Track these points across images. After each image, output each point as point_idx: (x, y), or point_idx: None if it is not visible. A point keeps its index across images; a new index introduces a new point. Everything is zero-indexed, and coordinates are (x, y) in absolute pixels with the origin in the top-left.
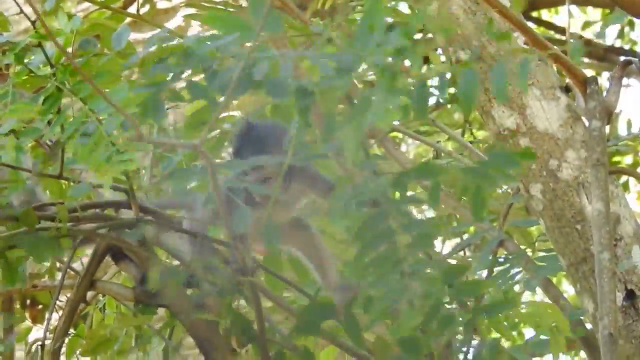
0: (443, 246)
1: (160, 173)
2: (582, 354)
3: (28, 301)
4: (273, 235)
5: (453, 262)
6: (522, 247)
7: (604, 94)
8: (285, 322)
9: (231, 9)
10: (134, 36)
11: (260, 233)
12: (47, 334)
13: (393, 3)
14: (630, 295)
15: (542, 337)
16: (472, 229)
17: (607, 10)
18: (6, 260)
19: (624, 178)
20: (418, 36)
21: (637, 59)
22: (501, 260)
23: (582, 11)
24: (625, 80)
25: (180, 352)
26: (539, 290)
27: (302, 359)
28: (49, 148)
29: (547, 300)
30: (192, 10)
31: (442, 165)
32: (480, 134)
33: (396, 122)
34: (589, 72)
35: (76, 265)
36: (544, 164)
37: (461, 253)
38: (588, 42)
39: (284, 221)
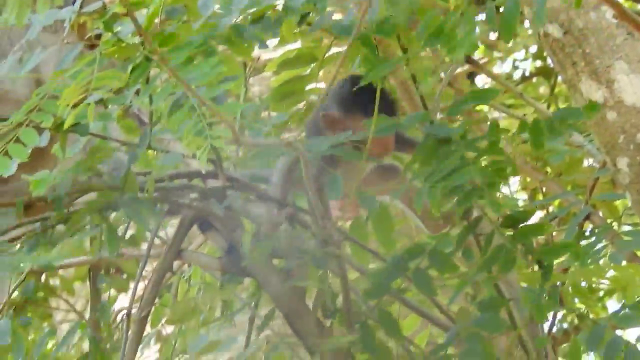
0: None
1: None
2: None
3: (113, 270)
4: (369, 200)
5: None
6: (608, 220)
7: None
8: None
9: None
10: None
11: (350, 197)
12: (133, 303)
13: None
14: None
15: (628, 310)
16: (557, 202)
17: None
18: (110, 226)
19: None
20: None
21: None
22: (587, 233)
23: None
24: None
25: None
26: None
27: (386, 328)
28: (137, 118)
29: None
30: None
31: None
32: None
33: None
34: None
35: (162, 234)
36: (631, 138)
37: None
38: None
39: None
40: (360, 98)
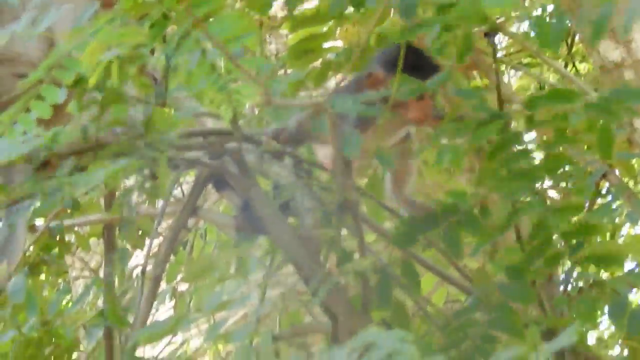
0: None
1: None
2: None
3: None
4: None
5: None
6: (625, 180)
7: None
8: (386, 252)
9: None
10: None
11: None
12: (148, 260)
13: None
14: None
15: None
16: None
17: None
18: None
19: None
20: None
21: None
22: (603, 192)
23: None
24: None
25: (279, 279)
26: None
27: (408, 279)
28: (152, 76)
29: None
30: None
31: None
32: (583, 67)
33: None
34: None
35: (177, 192)
36: None
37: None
38: None
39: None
40: (407, 61)
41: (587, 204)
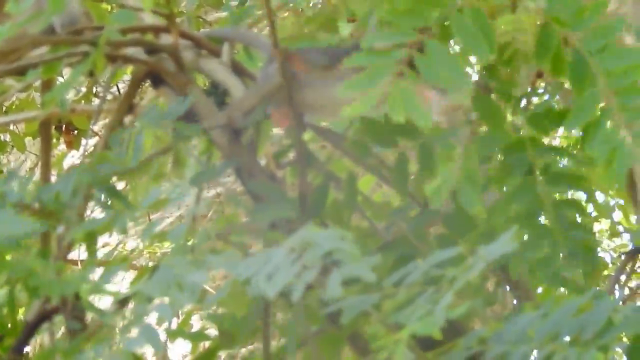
0: None
1: None
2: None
3: (64, 126)
4: None
5: None
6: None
7: None
8: (322, 151)
9: None
10: None
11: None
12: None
13: None
14: None
15: None
16: None
17: None
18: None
19: None
20: None
21: None
22: (540, 91)
23: None
24: None
25: (218, 179)
26: None
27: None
28: None
29: None
30: None
31: None
32: None
33: None
34: None
35: (113, 91)
36: None
37: None
38: None
39: None
40: None
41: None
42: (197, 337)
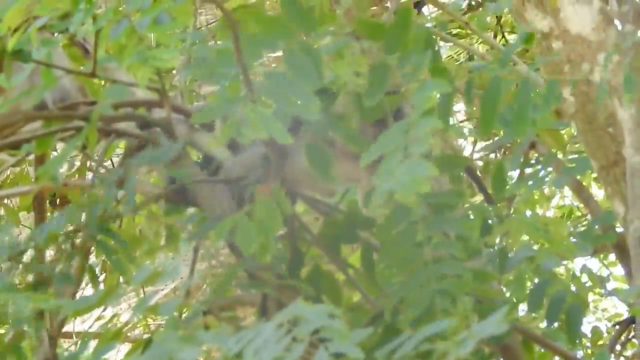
0: (474, 148)
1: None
2: (612, 256)
3: (58, 200)
4: None
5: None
6: (553, 150)
7: None
8: (315, 224)
9: None
10: None
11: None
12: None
13: None
14: None
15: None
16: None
17: None
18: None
19: None
20: None
21: None
22: (532, 162)
23: None
24: None
25: (210, 252)
26: (569, 193)
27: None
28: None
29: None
30: None
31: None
32: (513, 37)
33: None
34: None
35: (107, 164)
36: (577, 67)
37: (492, 155)
38: None
39: None
40: None
41: (517, 174)
42: None
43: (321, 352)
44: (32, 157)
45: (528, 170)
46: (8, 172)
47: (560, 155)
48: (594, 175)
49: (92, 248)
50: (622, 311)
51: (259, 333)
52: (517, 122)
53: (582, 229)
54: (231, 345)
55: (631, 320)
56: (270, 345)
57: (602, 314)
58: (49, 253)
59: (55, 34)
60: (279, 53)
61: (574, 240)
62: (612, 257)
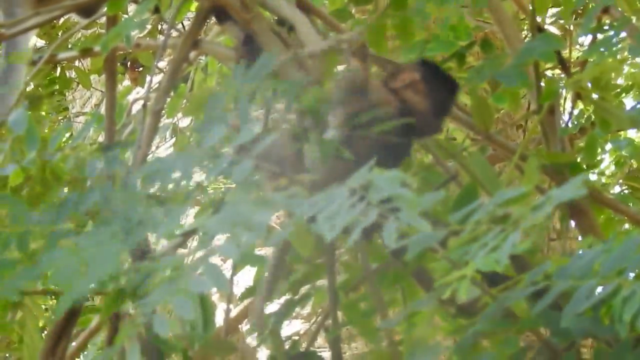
0: None
1: None
2: None
3: (129, 63)
4: None
5: None
6: (627, 14)
7: None
8: None
9: None
10: None
11: None
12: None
13: None
14: None
15: None
16: None
17: None
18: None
19: None
20: None
21: None
22: (606, 28)
23: None
24: None
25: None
26: None
27: None
28: None
29: None
30: None
31: None
32: None
33: None
34: None
35: (178, 27)
36: None
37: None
38: None
39: None
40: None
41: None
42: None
43: (390, 225)
44: (104, 19)
45: (600, 36)
46: (80, 34)
47: (634, 20)
48: None
49: None
50: None
51: (332, 198)
52: None
53: None
54: (305, 209)
55: None
56: (344, 210)
57: None
58: None
59: None
60: None
61: None
62: None
